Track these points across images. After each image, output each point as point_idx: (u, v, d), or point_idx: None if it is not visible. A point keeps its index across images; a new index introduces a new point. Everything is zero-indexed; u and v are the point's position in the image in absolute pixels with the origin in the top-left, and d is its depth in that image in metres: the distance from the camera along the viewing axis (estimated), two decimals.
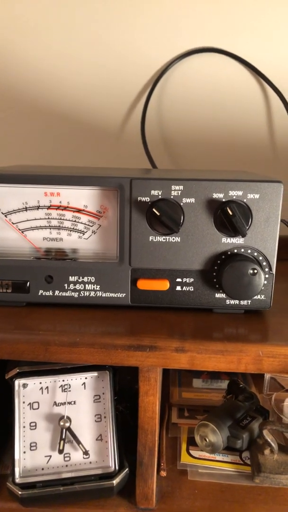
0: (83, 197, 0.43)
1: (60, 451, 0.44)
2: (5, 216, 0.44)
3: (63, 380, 0.45)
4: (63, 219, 0.44)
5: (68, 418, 0.44)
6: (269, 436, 0.48)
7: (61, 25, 0.73)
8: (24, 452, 0.44)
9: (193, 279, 0.44)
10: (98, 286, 0.44)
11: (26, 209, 0.44)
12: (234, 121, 0.75)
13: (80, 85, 0.75)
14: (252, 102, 0.74)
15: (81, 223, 0.44)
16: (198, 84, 0.74)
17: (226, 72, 0.73)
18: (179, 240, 0.43)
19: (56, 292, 0.44)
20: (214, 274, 0.43)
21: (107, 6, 0.72)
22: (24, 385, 0.45)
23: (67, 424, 0.44)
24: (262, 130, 0.75)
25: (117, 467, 0.44)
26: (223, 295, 0.44)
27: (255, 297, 0.43)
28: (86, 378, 0.46)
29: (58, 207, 0.44)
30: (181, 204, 0.42)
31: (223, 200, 0.42)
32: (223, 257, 0.43)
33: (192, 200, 0.42)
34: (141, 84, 0.74)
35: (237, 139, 0.76)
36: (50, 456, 0.44)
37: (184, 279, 0.44)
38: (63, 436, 0.44)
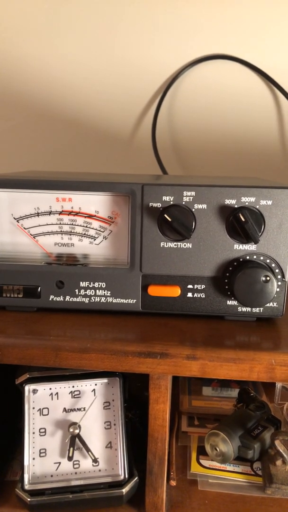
0: (94, 202, 0.44)
1: (70, 458, 0.44)
2: (17, 221, 0.44)
3: (73, 386, 0.45)
4: (75, 225, 0.44)
5: (78, 424, 0.44)
6: (281, 446, 0.47)
7: (72, 32, 0.74)
8: (34, 459, 0.44)
9: (204, 286, 0.43)
10: (109, 292, 0.44)
11: (38, 214, 0.44)
12: (245, 128, 0.75)
13: (91, 91, 0.76)
14: (264, 109, 0.74)
15: (93, 228, 0.44)
16: (209, 91, 0.74)
17: (237, 79, 0.73)
18: (190, 246, 0.42)
19: (67, 298, 0.44)
20: (226, 281, 0.43)
21: (119, 13, 0.72)
22: (34, 391, 0.45)
23: (77, 431, 0.44)
24: (274, 137, 0.75)
25: (126, 476, 0.44)
26: (235, 302, 0.43)
27: (268, 305, 0.43)
28: (96, 384, 0.45)
29: (69, 213, 0.44)
30: (193, 210, 0.42)
31: (236, 206, 0.41)
32: (235, 263, 0.42)
33: (204, 206, 0.42)
34: (152, 90, 0.75)
35: (248, 146, 0.75)
36: (60, 463, 0.44)
37: (196, 286, 0.43)
38: (73, 443, 0.44)
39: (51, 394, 0.45)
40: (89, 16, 0.73)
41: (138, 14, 0.72)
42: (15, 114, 0.78)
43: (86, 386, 0.45)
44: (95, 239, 0.44)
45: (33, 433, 0.44)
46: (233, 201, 0.41)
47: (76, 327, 0.42)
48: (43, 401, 0.45)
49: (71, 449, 0.44)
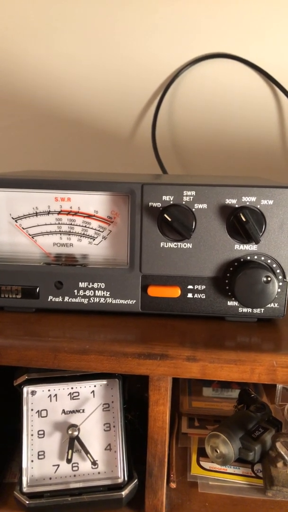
0: (93, 202, 0.43)
1: (68, 461, 0.43)
2: (16, 221, 0.44)
3: (72, 388, 0.45)
4: (74, 225, 0.44)
5: (77, 427, 0.44)
6: (282, 448, 0.47)
7: (71, 30, 0.73)
8: (32, 461, 0.43)
9: (205, 287, 0.43)
10: (108, 293, 0.44)
11: (36, 214, 0.44)
12: (246, 127, 0.74)
13: (90, 90, 0.75)
14: (264, 108, 0.73)
15: (92, 228, 0.44)
16: (210, 90, 0.74)
17: (238, 78, 0.73)
18: (190, 247, 0.42)
19: (66, 298, 0.44)
20: (227, 281, 0.42)
21: (119, 10, 0.72)
22: (33, 392, 0.44)
23: (76, 433, 0.43)
24: (274, 136, 0.74)
25: (126, 478, 0.43)
26: (236, 303, 0.43)
27: (269, 305, 0.43)
28: (95, 386, 0.45)
29: (68, 212, 0.43)
30: (193, 210, 0.41)
31: (236, 206, 0.41)
32: (235, 264, 0.42)
33: (205, 205, 0.41)
34: (153, 89, 0.74)
35: (249, 145, 0.75)
36: (58, 465, 0.43)
37: (196, 286, 0.43)
38: (71, 445, 0.43)
39: (50, 395, 0.45)
40: (89, 13, 0.72)
41: (139, 11, 0.71)
42: (13, 113, 0.77)
43: (85, 387, 0.45)
44: (94, 239, 0.44)
45: (32, 435, 0.44)
46: (233, 201, 0.41)
47: (75, 328, 0.42)
48: (42, 403, 0.44)
49: (70, 451, 0.43)
